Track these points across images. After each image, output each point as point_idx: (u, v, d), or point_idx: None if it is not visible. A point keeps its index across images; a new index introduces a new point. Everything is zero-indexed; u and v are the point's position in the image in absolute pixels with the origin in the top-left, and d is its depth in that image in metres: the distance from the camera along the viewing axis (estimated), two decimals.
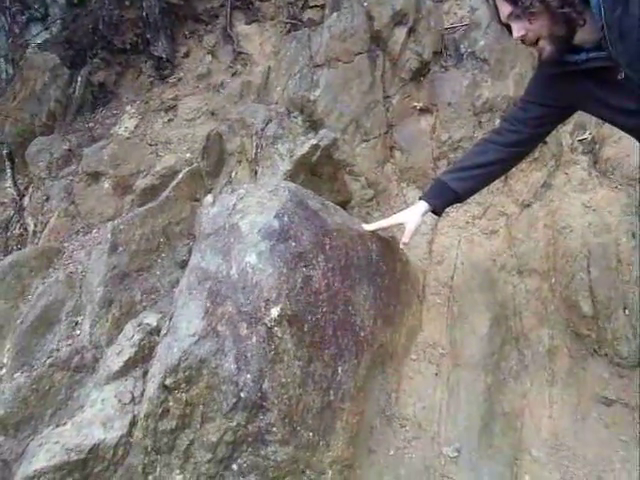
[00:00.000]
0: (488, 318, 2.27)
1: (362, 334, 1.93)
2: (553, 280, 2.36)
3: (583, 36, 1.37)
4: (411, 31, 2.66)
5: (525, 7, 1.29)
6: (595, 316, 2.25)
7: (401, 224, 1.89)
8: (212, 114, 2.94)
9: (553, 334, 2.32)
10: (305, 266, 1.70)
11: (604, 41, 1.32)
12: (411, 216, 1.85)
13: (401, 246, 1.91)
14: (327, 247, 1.81)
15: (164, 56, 3.14)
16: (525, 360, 2.25)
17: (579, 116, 2.70)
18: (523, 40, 1.39)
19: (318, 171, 2.27)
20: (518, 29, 1.37)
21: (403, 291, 2.26)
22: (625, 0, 1.26)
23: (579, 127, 2.76)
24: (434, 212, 1.89)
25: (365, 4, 2.82)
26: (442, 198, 1.84)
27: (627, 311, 2.28)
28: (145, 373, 1.79)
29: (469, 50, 2.66)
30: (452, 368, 2.17)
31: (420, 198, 1.89)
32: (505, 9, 1.36)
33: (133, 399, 1.71)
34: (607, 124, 2.61)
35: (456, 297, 2.33)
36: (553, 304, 2.34)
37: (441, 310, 2.34)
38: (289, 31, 3.23)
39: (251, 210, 1.78)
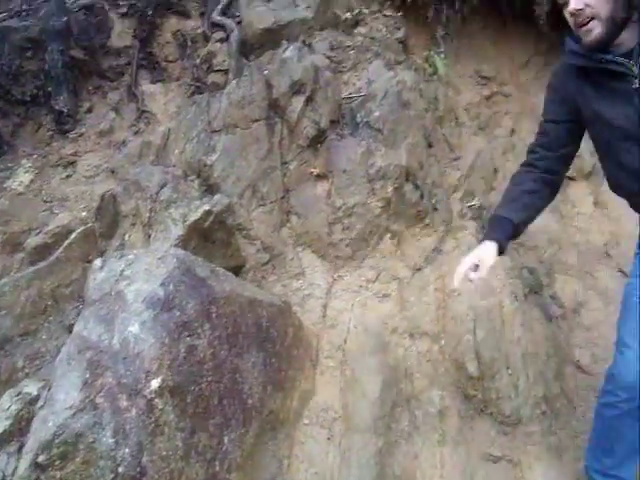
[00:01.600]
0: (380, 381, 2.49)
1: (250, 402, 2.09)
2: (443, 342, 2.63)
3: (623, 37, 1.55)
4: (309, 100, 2.96)
5: None
6: (481, 376, 2.52)
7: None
8: (112, 172, 3.09)
9: (443, 395, 2.57)
10: (189, 335, 1.86)
11: (637, 50, 1.51)
12: (486, 253, 1.80)
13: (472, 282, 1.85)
14: (214, 315, 1.99)
15: (65, 110, 3.28)
16: (416, 421, 2.47)
17: (468, 184, 3.08)
18: (577, 14, 1.49)
19: (211, 236, 2.46)
20: (580, 1, 1.46)
21: (295, 356, 2.45)
22: None
23: (468, 194, 3.14)
24: (500, 249, 1.82)
25: (265, 72, 3.12)
26: (502, 231, 1.83)
27: (510, 370, 2.57)
28: (21, 448, 1.82)
29: (365, 120, 2.98)
30: (344, 432, 2.36)
31: (482, 240, 1.87)
32: None
33: (4, 478, 1.74)
34: (494, 191, 3.01)
35: (349, 360, 2.54)
36: (443, 366, 2.60)
37: (334, 374, 2.54)
38: (193, 93, 3.47)
39: (138, 277, 1.93)
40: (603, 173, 1.99)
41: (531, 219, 1.91)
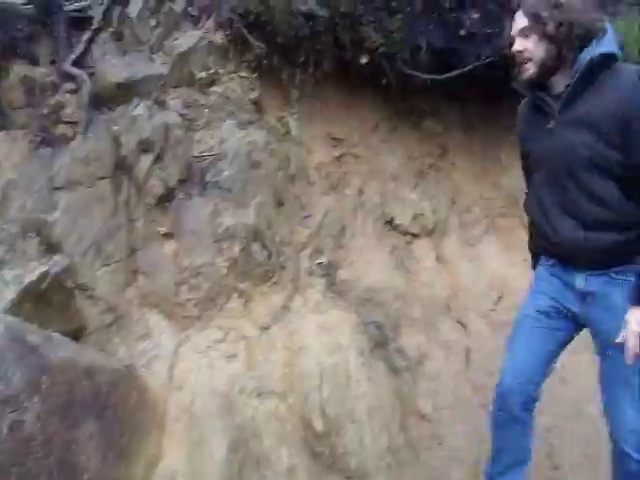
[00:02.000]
0: (227, 442, 2.54)
1: (86, 476, 2.06)
2: (290, 400, 2.75)
3: (554, 81, 1.83)
4: (158, 158, 3.04)
5: (541, 28, 1.71)
6: (327, 433, 2.66)
7: None
8: None
9: (292, 453, 2.67)
10: (14, 410, 1.82)
11: (561, 94, 1.78)
12: None
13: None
14: (44, 386, 1.96)
15: None
16: None
17: (317, 241, 3.27)
18: (517, 55, 1.80)
19: (48, 299, 2.43)
20: (521, 44, 1.77)
21: (140, 421, 2.45)
22: (593, 88, 1.71)
23: (317, 251, 3.33)
24: None
25: (115, 128, 3.16)
26: None
27: (355, 425, 2.74)
28: None
29: (214, 179, 3.11)
30: None
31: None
32: (521, 22, 1.76)
33: None
34: (343, 249, 3.23)
35: (196, 423, 2.58)
36: (291, 424, 2.71)
37: (182, 437, 2.56)
38: (40, 143, 3.40)
39: None
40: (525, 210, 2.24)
41: None
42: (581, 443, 2.98)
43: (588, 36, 1.72)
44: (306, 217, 3.32)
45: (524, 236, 4.27)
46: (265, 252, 2.95)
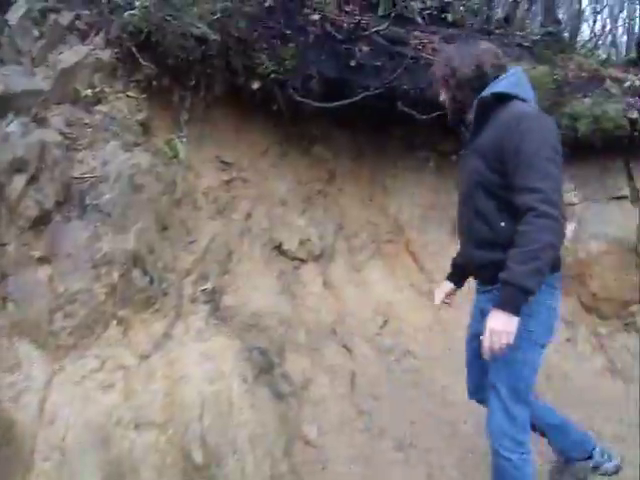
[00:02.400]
0: (100, 478, 2.46)
1: None
2: (170, 431, 2.71)
3: (468, 117, 2.18)
4: (33, 179, 2.92)
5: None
6: (206, 464, 2.65)
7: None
8: None
9: None
10: None
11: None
12: None
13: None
14: None
15: None
16: None
17: (203, 267, 3.27)
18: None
19: None
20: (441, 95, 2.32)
21: (4, 460, 2.33)
22: (490, 121, 2.08)
23: (202, 277, 3.33)
24: None
25: None
26: None
27: (236, 455, 2.74)
28: None
29: (94, 202, 3.03)
30: None
31: None
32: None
33: None
34: (228, 274, 3.24)
35: (68, 459, 2.49)
36: (170, 456, 2.68)
37: (52, 476, 2.46)
38: None
39: None
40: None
41: None
42: (457, 460, 3.12)
43: (482, 81, 2.10)
44: (192, 242, 3.31)
45: (409, 262, 4.53)
46: (146, 278, 2.91)
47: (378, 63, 4.17)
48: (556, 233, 1.84)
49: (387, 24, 4.03)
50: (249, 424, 2.82)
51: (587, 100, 3.57)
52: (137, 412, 2.69)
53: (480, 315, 2.20)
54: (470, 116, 2.15)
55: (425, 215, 4.51)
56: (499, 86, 2.06)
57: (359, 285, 4.16)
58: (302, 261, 4.08)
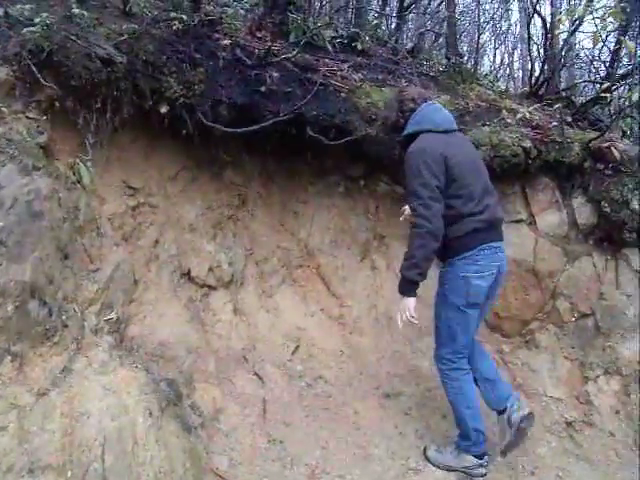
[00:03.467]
0: None
1: None
2: (69, 474, 2.51)
3: None
4: None
5: None
6: None
7: None
8: None
9: None
10: None
11: None
12: None
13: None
14: None
15: None
16: None
17: (107, 296, 3.08)
18: None
19: None
20: None
21: None
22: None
23: (106, 307, 3.14)
24: None
25: None
26: None
27: None
28: None
29: None
30: None
31: None
32: None
33: None
34: (134, 302, 3.07)
35: None
36: None
37: None
38: None
39: None
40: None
41: None
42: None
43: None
44: (95, 271, 3.12)
45: (320, 286, 4.50)
46: (45, 310, 2.71)
47: (288, 89, 4.14)
48: (424, 238, 2.73)
49: (297, 51, 4.02)
50: (155, 460, 2.67)
51: (486, 128, 3.69)
52: (32, 455, 2.48)
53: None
54: None
55: (335, 240, 4.51)
56: (408, 127, 3.04)
57: (270, 311, 4.08)
58: (212, 288, 3.96)
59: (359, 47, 5.19)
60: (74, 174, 3.52)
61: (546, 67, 5.17)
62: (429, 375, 3.92)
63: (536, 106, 3.98)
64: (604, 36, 4.28)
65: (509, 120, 3.81)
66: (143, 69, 3.69)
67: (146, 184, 3.98)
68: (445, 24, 5.58)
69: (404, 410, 3.59)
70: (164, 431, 2.83)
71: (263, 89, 4.09)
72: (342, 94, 4.24)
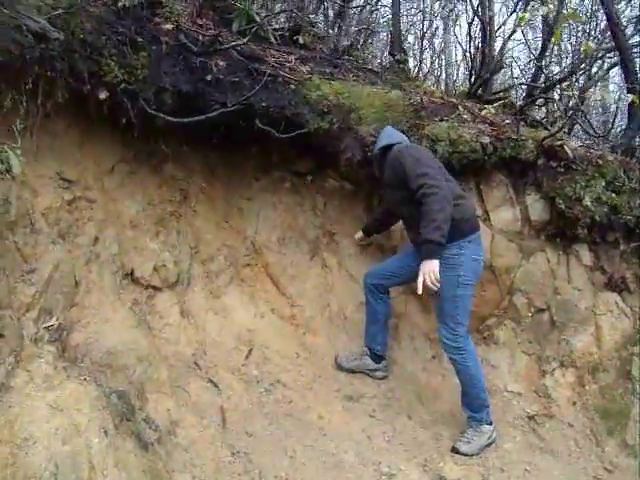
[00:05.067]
0: None
1: None
2: None
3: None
4: None
5: None
6: None
7: None
8: None
9: None
10: None
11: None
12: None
13: None
14: None
15: None
16: None
17: (45, 301, 2.61)
18: None
19: None
20: None
21: None
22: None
23: (45, 312, 2.67)
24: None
25: None
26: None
27: None
28: None
29: None
30: None
31: None
32: None
33: None
34: (76, 307, 2.61)
35: None
36: None
37: None
38: None
39: None
40: None
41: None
42: None
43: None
44: (30, 272, 2.64)
45: (269, 286, 4.16)
46: None
47: (235, 79, 3.81)
48: (440, 202, 2.84)
49: (246, 39, 3.68)
50: None
51: (444, 124, 3.52)
52: None
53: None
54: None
55: (283, 237, 4.23)
56: (381, 142, 3.37)
57: (219, 312, 3.72)
58: (157, 289, 3.56)
59: (300, 41, 4.92)
60: (2, 163, 2.99)
61: (483, 69, 5.08)
62: (391, 375, 3.70)
63: (491, 106, 3.83)
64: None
65: (465, 116, 3.65)
66: (80, 49, 3.24)
67: (82, 176, 3.52)
68: (389, 21, 5.38)
69: (368, 412, 3.35)
70: (121, 451, 2.43)
71: (209, 78, 3.73)
72: (291, 86, 3.95)
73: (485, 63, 5.16)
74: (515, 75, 6.24)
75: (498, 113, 4.06)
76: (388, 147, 3.25)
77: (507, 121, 3.76)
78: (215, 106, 3.74)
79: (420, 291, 2.84)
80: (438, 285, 2.83)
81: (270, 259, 4.16)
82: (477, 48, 5.19)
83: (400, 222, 3.63)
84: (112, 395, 2.67)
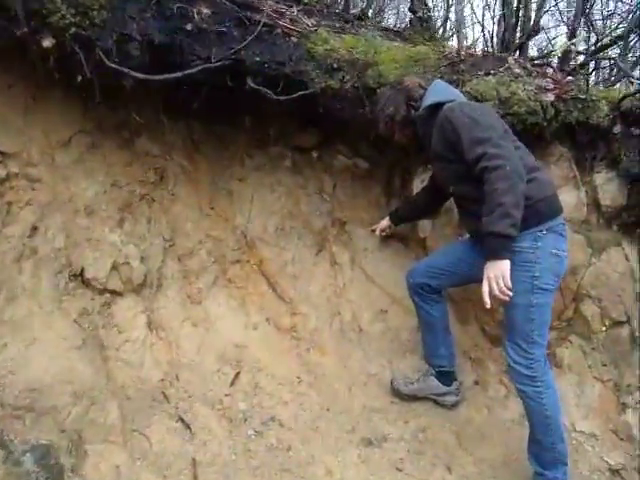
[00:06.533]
0: None
1: None
2: None
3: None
4: None
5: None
6: None
7: None
8: None
9: None
10: None
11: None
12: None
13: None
14: None
15: None
16: None
17: None
18: None
19: None
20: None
21: None
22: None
23: None
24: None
25: None
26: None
27: None
28: None
29: None
30: None
31: None
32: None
33: None
34: None
35: None
36: None
37: None
38: None
39: None
40: None
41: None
42: None
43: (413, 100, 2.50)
44: None
45: (264, 288, 3.19)
46: None
47: (222, 29, 2.93)
48: (509, 178, 1.97)
49: None
50: None
51: (491, 78, 2.55)
52: None
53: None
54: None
55: (282, 227, 3.34)
56: (428, 99, 2.40)
57: (198, 323, 2.83)
58: (116, 294, 2.66)
59: None
60: None
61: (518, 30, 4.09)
62: (421, 407, 2.72)
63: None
64: None
65: (517, 70, 2.65)
66: None
67: (24, 149, 2.70)
68: None
69: (394, 463, 2.40)
70: None
71: (189, 27, 2.88)
72: (293, 38, 3.09)
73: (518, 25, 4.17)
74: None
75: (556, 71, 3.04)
76: (436, 106, 2.35)
77: (569, 78, 2.73)
78: (196, 61, 2.87)
79: (489, 304, 2.03)
80: (510, 294, 2.03)
81: (265, 254, 3.26)
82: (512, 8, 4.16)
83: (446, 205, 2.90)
84: (25, 456, 1.69)
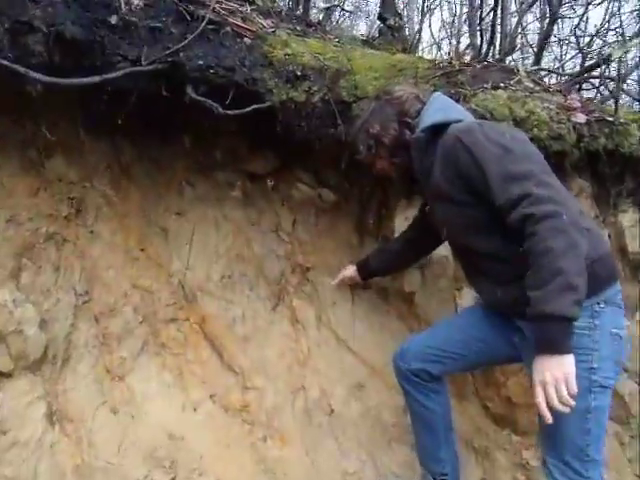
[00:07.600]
0: None
1: None
2: None
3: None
4: None
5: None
6: None
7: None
8: None
9: None
10: None
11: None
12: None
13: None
14: None
15: None
16: None
17: None
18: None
19: None
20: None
21: None
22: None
23: None
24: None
25: None
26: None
27: None
28: None
29: None
30: None
31: None
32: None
33: None
34: None
35: None
36: None
37: None
38: None
39: None
40: None
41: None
42: None
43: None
44: None
45: (207, 354, 2.45)
46: None
47: (157, 24, 2.39)
48: (566, 233, 1.38)
49: None
50: None
51: (501, 93, 1.93)
52: None
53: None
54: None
55: (229, 274, 2.69)
56: (428, 118, 1.76)
57: (119, 409, 2.14)
58: (2, 375, 1.85)
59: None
60: None
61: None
62: None
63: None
64: None
65: (529, 84, 2.04)
66: None
67: None
68: None
69: None
70: None
71: (114, 20, 2.35)
72: (246, 39, 2.55)
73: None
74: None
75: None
76: (439, 127, 1.73)
77: (588, 96, 2.16)
78: (122, 63, 2.33)
79: (550, 419, 1.41)
80: (573, 403, 1.42)
81: (209, 310, 2.60)
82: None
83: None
84: None
